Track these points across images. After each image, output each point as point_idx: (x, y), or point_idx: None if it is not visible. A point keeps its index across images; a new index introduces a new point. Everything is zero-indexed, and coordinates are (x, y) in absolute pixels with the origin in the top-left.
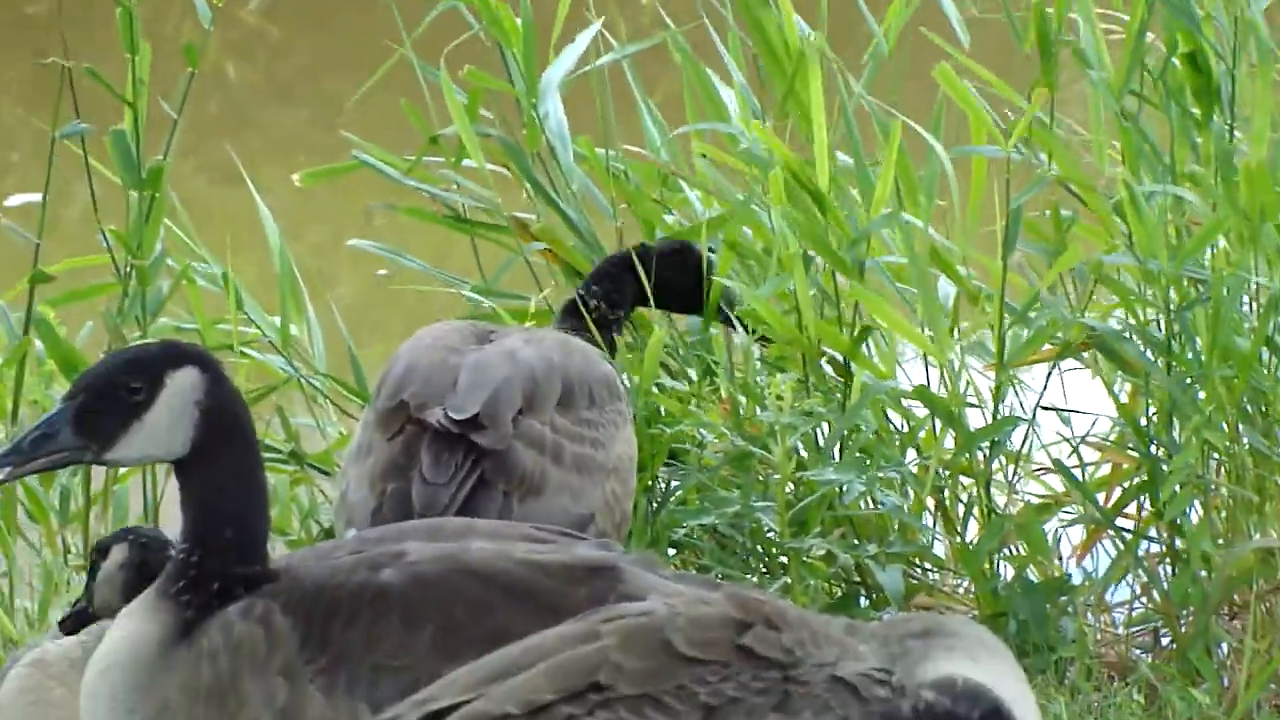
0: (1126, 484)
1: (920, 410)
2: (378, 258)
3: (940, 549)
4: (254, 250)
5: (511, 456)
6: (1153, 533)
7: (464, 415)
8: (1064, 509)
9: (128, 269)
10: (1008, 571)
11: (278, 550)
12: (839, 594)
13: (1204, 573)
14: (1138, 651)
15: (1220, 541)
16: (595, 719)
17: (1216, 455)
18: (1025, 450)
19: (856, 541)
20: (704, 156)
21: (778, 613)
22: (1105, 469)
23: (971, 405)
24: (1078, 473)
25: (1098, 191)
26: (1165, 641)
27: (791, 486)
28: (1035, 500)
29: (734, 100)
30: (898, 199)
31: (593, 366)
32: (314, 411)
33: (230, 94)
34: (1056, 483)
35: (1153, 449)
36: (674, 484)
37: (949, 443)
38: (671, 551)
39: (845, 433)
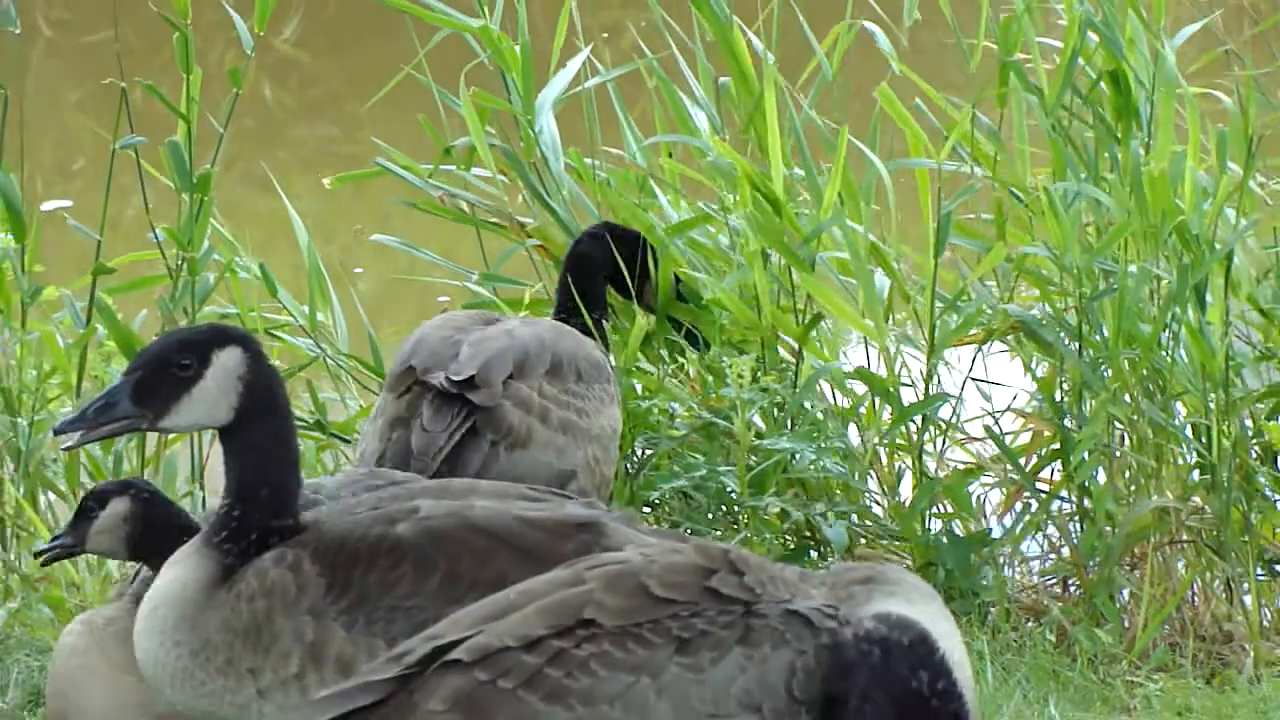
0: (1042, 451)
1: (861, 388)
2: (393, 255)
3: (879, 508)
4: (286, 248)
5: (499, 412)
6: (1064, 494)
7: (461, 377)
8: (986, 474)
9: (179, 262)
10: (937, 527)
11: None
12: (791, 546)
13: (1108, 528)
14: (1050, 598)
15: (1123, 501)
16: (582, 651)
17: (1120, 426)
18: (954, 421)
19: (807, 501)
20: (669, 156)
21: (740, 559)
22: (1025, 438)
23: (905, 385)
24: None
25: (1023, 196)
26: (1074, 588)
27: (750, 454)
28: (961, 466)
29: (703, 119)
30: (841, 203)
31: (582, 348)
32: (338, 387)
33: (266, 112)
34: (981, 450)
35: (1065, 421)
36: (648, 452)
37: (886, 415)
38: (647, 510)
39: (797, 407)
